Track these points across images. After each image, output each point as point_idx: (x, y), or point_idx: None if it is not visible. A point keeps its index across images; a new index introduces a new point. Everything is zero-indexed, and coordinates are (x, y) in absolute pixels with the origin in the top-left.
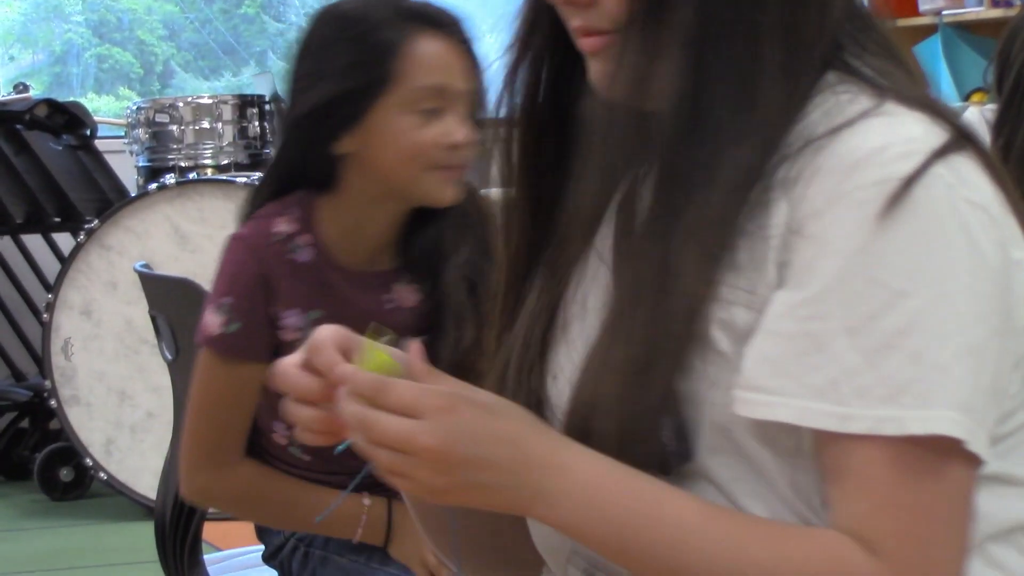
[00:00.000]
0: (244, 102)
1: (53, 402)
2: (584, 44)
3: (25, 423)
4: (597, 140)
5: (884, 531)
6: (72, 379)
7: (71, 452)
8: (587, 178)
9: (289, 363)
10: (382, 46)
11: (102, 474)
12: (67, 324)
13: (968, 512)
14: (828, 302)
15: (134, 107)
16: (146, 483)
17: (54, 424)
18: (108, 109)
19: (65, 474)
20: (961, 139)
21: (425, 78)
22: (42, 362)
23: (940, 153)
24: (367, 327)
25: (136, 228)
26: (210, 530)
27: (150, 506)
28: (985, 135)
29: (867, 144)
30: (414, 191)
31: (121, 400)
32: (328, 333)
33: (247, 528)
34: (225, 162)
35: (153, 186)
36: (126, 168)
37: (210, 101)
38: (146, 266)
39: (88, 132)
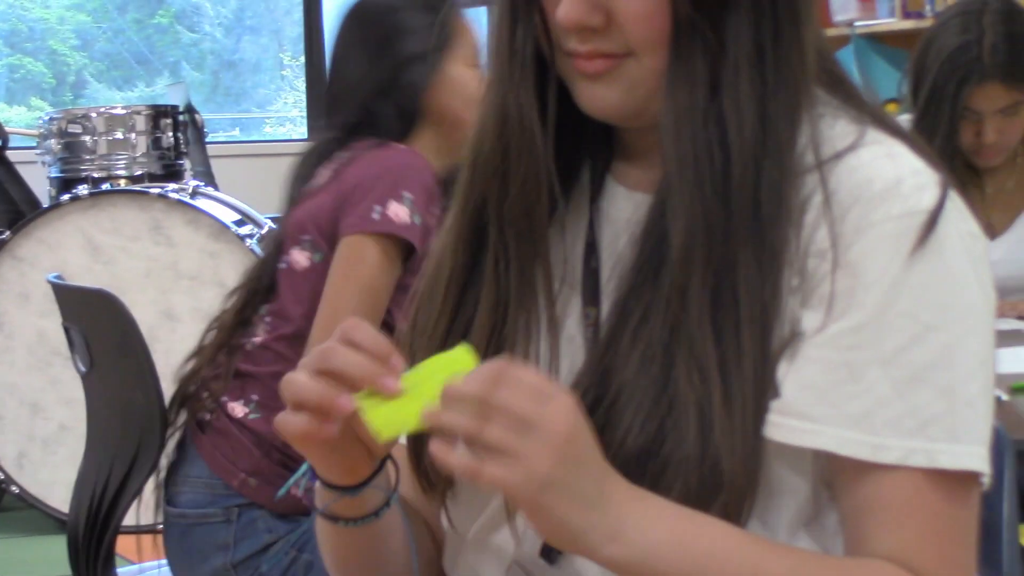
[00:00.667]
0: (158, 112)
1: None
2: (588, 67)
3: None
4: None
5: (929, 557)
6: None
7: None
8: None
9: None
10: (446, 9)
11: (14, 488)
12: None
13: None
14: (864, 333)
15: (46, 118)
16: (59, 496)
17: None
18: (20, 120)
19: None
20: (942, 169)
21: (478, 37)
22: None
23: (945, 186)
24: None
25: (48, 239)
26: (124, 543)
27: (63, 519)
28: None
29: (882, 176)
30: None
31: (33, 413)
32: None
33: (160, 541)
34: (138, 173)
35: (66, 197)
36: (38, 179)
37: (123, 112)
38: (59, 277)
39: (0, 143)
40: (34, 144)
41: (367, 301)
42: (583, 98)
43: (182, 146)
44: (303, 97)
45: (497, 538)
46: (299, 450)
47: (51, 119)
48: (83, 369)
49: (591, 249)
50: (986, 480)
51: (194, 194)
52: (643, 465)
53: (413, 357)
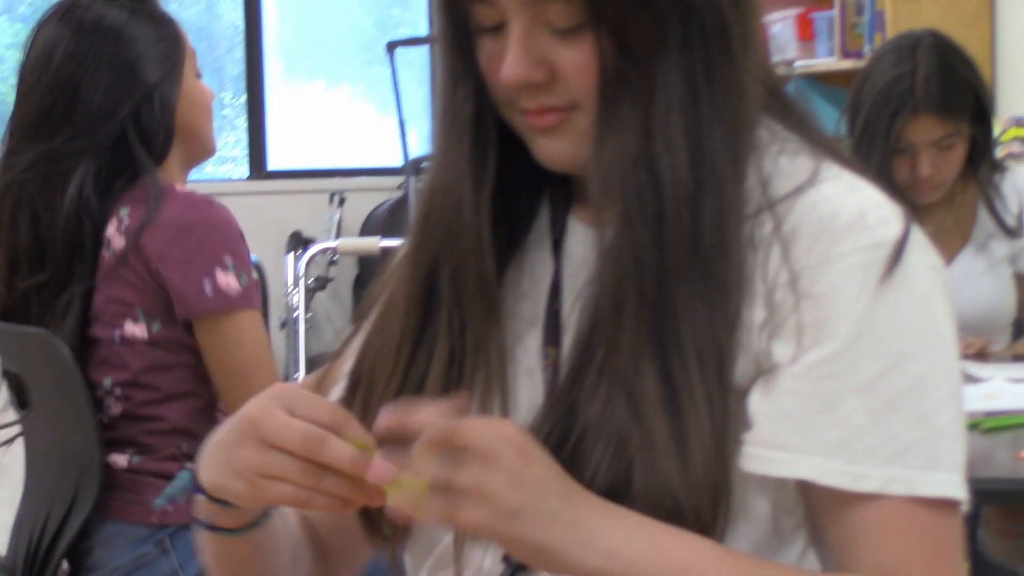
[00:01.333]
0: None
1: None
2: (538, 122)
3: None
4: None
5: (919, 573)
6: None
7: None
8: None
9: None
10: (173, 21)
11: None
12: None
13: None
14: (839, 363)
15: None
16: None
17: None
18: None
19: None
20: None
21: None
22: None
23: (908, 218)
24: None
25: None
26: None
27: (0, 562)
28: None
29: (846, 209)
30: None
31: None
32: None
33: None
34: None
35: None
36: None
37: None
38: None
39: None
40: None
41: (266, 368)
42: (539, 152)
43: None
44: (244, 136)
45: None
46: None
47: None
48: (21, 411)
49: (555, 289)
50: (964, 506)
51: None
52: (614, 501)
53: (365, 414)
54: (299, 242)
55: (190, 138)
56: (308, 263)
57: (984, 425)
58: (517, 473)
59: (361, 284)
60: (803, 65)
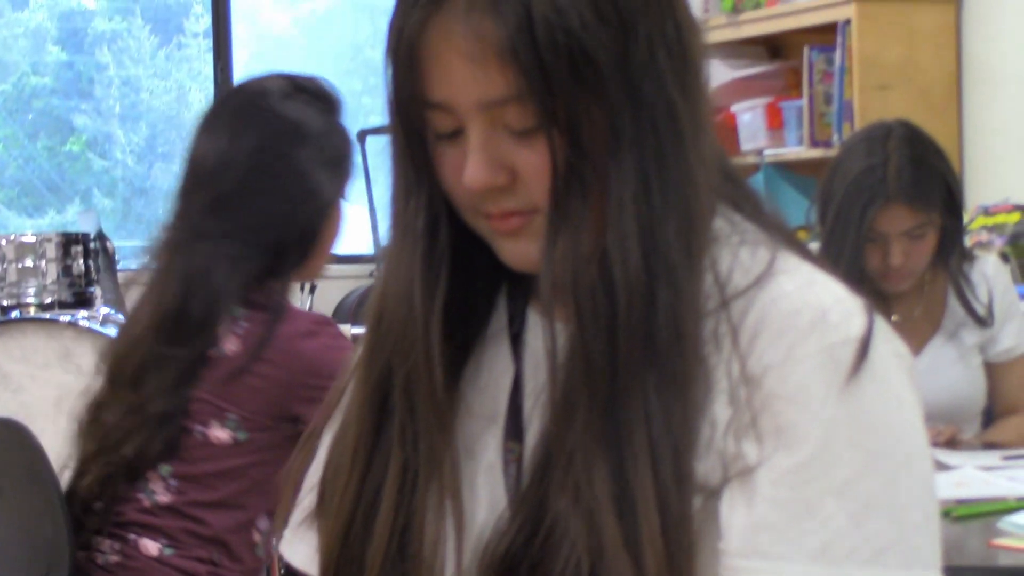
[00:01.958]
0: (68, 240)
1: None
2: (503, 226)
3: None
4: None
5: None
6: None
7: None
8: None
9: None
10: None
11: None
12: None
13: None
14: (814, 467)
15: None
16: None
17: None
18: None
19: None
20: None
21: None
22: None
23: (870, 310)
24: None
25: None
26: None
27: None
28: None
29: (808, 306)
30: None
31: None
32: None
33: None
34: (48, 300)
35: None
36: None
37: (34, 239)
38: None
39: None
40: None
41: None
42: (504, 255)
43: (93, 273)
44: None
45: None
46: None
47: None
48: None
49: (516, 384)
50: None
51: (105, 321)
52: None
53: (326, 524)
54: None
55: (318, 256)
56: None
57: (955, 513)
58: None
59: None
60: (772, 154)
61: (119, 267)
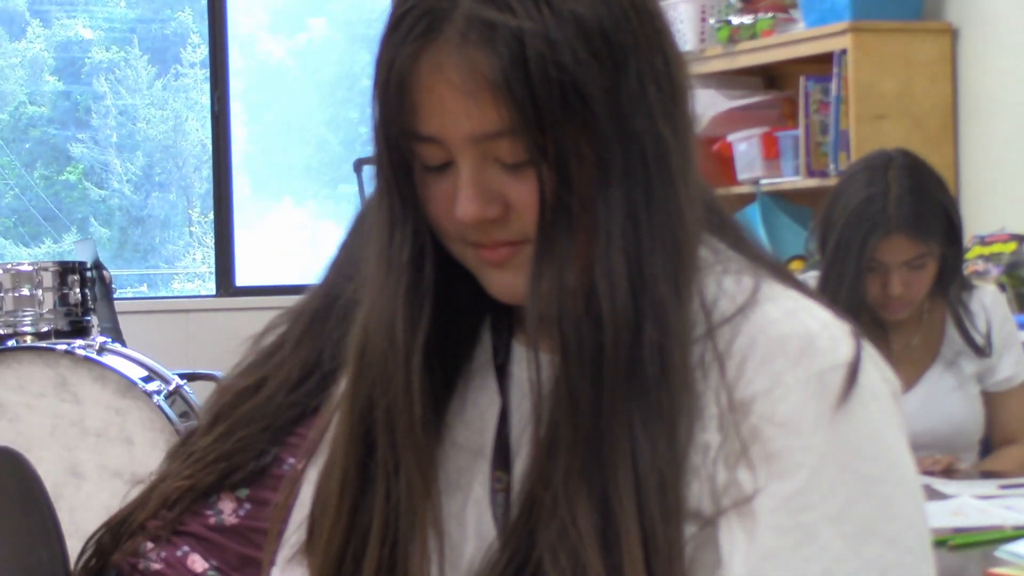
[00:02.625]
0: (65, 269)
1: None
2: (492, 257)
3: None
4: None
5: None
6: None
7: None
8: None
9: None
10: None
11: None
12: None
13: None
14: (810, 494)
15: None
16: None
17: None
18: None
19: None
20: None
21: None
22: None
23: (857, 335)
24: None
25: None
26: None
27: None
28: None
29: (796, 333)
30: None
31: None
32: None
33: None
34: (45, 329)
35: None
36: None
37: (30, 268)
38: None
39: None
40: None
41: None
42: (492, 286)
43: (89, 302)
44: (211, 253)
45: None
46: None
47: None
48: None
49: (504, 415)
50: None
51: (101, 350)
52: None
53: (314, 566)
54: None
55: None
56: None
57: (952, 542)
58: None
59: None
60: (768, 183)
61: (115, 296)
